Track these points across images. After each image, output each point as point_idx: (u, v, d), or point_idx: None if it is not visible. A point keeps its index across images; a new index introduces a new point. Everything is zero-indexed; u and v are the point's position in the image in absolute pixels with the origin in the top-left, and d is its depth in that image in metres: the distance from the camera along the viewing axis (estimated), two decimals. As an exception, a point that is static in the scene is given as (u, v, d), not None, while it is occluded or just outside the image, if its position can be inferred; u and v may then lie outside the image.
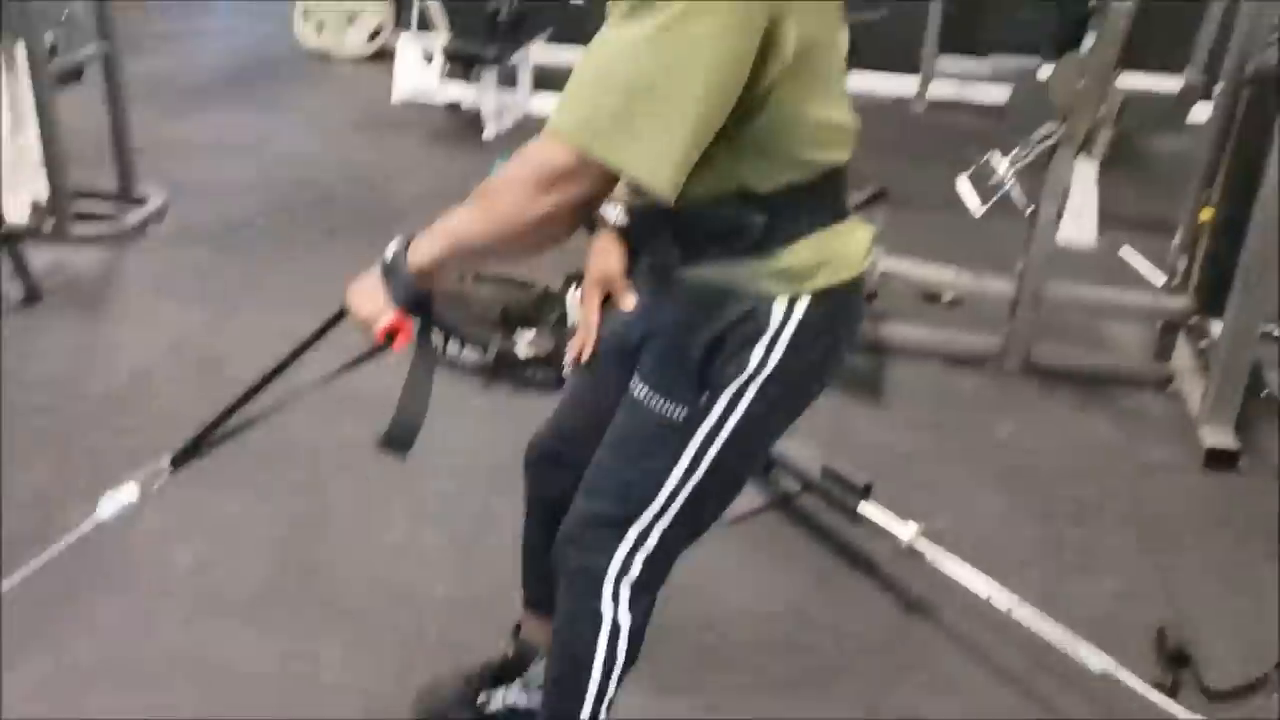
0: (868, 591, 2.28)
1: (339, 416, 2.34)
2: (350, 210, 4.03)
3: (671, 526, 1.41)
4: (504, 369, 3.00)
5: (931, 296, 3.42)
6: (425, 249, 1.27)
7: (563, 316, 3.09)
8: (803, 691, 2.03)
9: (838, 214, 1.36)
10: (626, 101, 1.12)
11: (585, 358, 1.58)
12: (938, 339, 3.19)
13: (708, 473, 1.38)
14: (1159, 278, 3.42)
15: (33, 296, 3.22)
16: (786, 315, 1.31)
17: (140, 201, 3.80)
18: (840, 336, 1.40)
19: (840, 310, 1.36)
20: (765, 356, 1.32)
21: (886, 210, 4.09)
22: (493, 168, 2.93)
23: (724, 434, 1.36)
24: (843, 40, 1.32)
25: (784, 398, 1.37)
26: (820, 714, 1.98)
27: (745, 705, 1.99)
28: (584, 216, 1.23)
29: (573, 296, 3.09)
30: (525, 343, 3.01)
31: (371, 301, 1.31)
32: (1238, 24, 2.97)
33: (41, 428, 2.67)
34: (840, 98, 1.32)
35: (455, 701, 1.87)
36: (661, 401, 1.36)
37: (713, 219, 1.30)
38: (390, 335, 1.31)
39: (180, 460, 1.50)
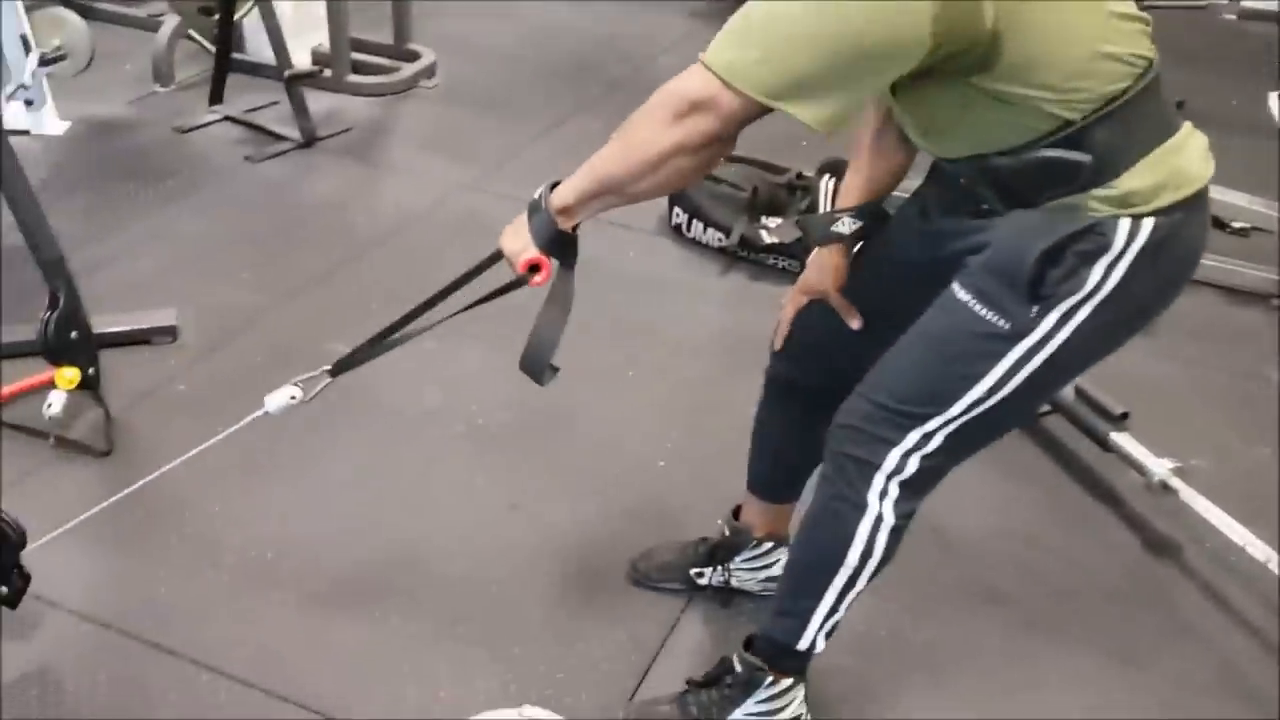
0: (1110, 523, 2.16)
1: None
2: (608, 82, 4.05)
3: (958, 435, 1.35)
4: (747, 253, 2.97)
5: (1219, 222, 3.14)
6: (567, 187, 1.31)
7: (812, 205, 3.01)
8: (1027, 617, 1.95)
9: (1168, 125, 1.25)
10: (775, 50, 1.13)
11: (779, 346, 1.60)
12: (1219, 268, 2.93)
13: (1016, 390, 1.31)
14: None
15: (310, 139, 3.41)
16: (1131, 236, 1.22)
17: (413, 57, 3.93)
18: (1184, 259, 1.30)
19: (1186, 231, 1.26)
20: (1105, 276, 1.24)
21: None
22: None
23: (1045, 352, 1.28)
24: None
25: (1117, 322, 1.29)
26: (1038, 646, 1.90)
27: (964, 620, 1.94)
28: (716, 155, 1.22)
29: (825, 184, 3.00)
30: (771, 229, 2.96)
31: (517, 238, 1.36)
32: None
33: (307, 264, 2.84)
34: (1120, 31, 1.20)
35: (668, 569, 1.91)
36: (986, 309, 1.29)
37: (1034, 168, 1.23)
38: (532, 269, 1.36)
39: (340, 369, 1.55)
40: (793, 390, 1.66)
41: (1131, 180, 1.22)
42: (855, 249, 1.55)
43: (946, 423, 1.34)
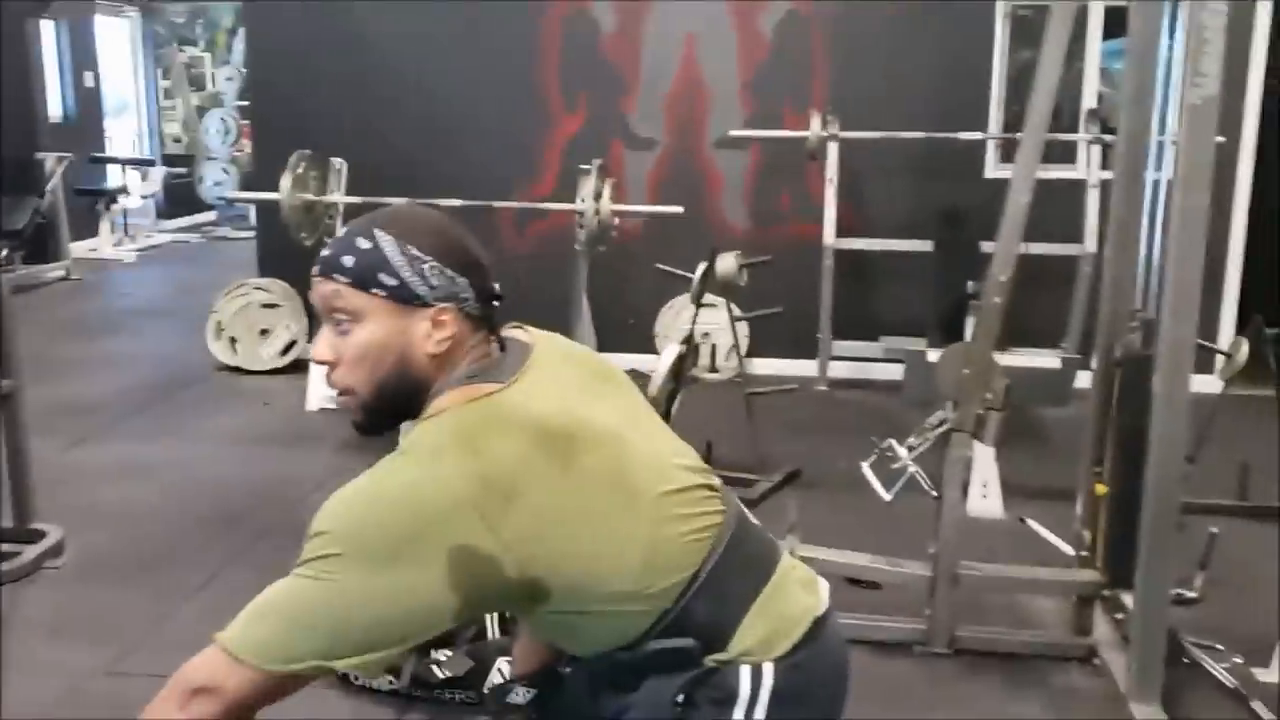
0: None
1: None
2: (260, 530, 3.95)
3: None
4: (421, 692, 2.87)
5: (853, 580, 3.42)
6: None
7: (480, 632, 3.00)
8: None
9: (762, 574, 1.33)
10: (276, 624, 1.20)
11: None
12: (863, 625, 3.16)
13: None
14: (1067, 548, 3.48)
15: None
16: (755, 681, 1.28)
17: (36, 537, 3.67)
18: (824, 693, 1.36)
19: (816, 663, 1.33)
20: None
21: (801, 490, 4.18)
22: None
23: None
24: (635, 447, 1.30)
25: None
26: None
27: None
28: None
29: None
30: (442, 662, 2.90)
31: None
32: (1101, 310, 3.18)
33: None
34: (663, 493, 1.28)
35: None
36: None
37: (645, 658, 1.29)
38: None
39: None
40: None
41: (743, 640, 1.28)
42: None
43: None
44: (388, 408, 1.31)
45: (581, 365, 1.38)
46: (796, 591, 1.36)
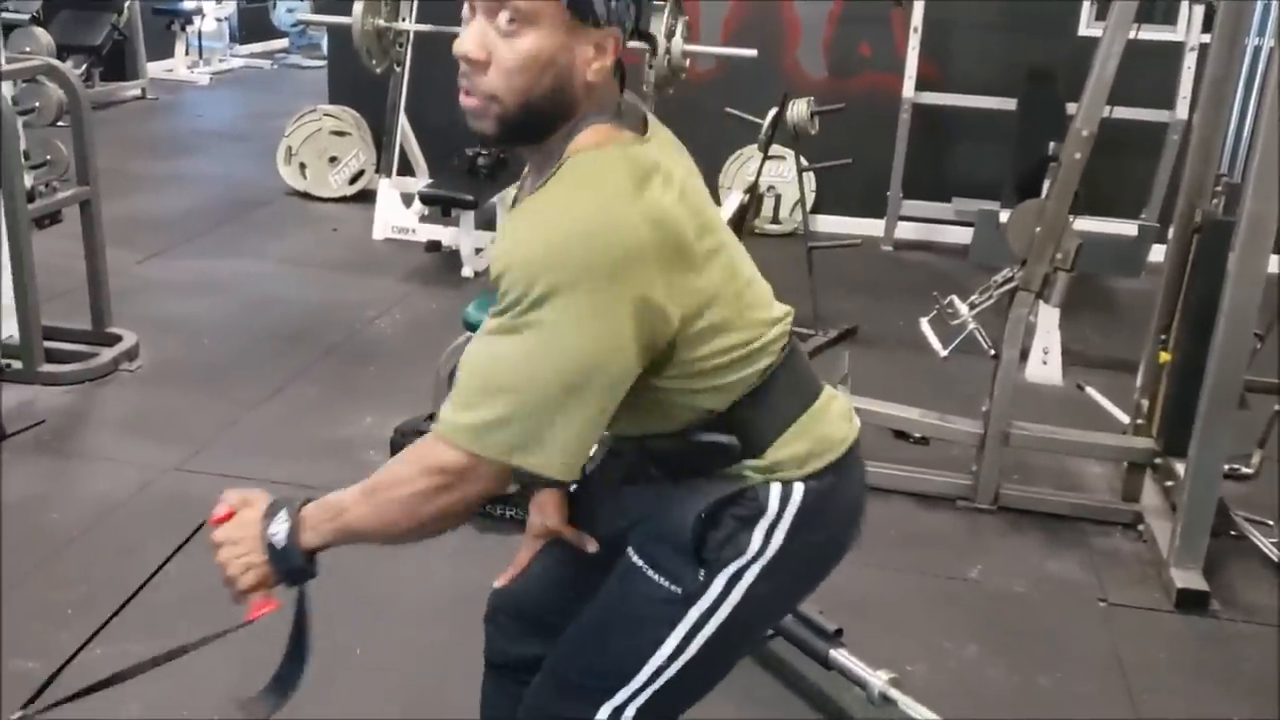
0: (840, 742, 2.23)
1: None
2: (326, 348, 4.06)
3: (651, 706, 1.35)
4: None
5: (901, 433, 3.45)
6: (314, 535, 1.24)
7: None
8: None
9: (808, 396, 1.36)
10: (511, 403, 1.15)
11: (502, 582, 1.58)
12: (908, 478, 3.20)
13: (699, 654, 1.33)
14: (1123, 417, 3.46)
15: (-2, 435, 3.20)
16: (784, 500, 1.30)
17: (113, 341, 3.81)
18: (844, 518, 1.38)
19: (840, 491, 1.35)
20: (766, 540, 1.30)
21: (856, 347, 4.17)
22: (464, 313, 2.96)
23: (719, 616, 1.32)
24: (741, 262, 1.32)
25: (787, 583, 1.36)
26: None
27: None
28: (479, 506, 1.23)
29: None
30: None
31: (249, 569, 1.25)
32: (1184, 174, 3.08)
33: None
34: (754, 304, 1.31)
35: None
36: (658, 574, 1.33)
37: (685, 450, 1.31)
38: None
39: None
40: (513, 660, 1.60)
41: (778, 452, 1.31)
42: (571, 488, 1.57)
43: (634, 695, 1.35)
44: (527, 127, 1.22)
45: (684, 157, 1.35)
46: (836, 418, 1.38)
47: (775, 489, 1.30)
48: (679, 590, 1.31)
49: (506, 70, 1.17)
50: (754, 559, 1.31)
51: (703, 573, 1.31)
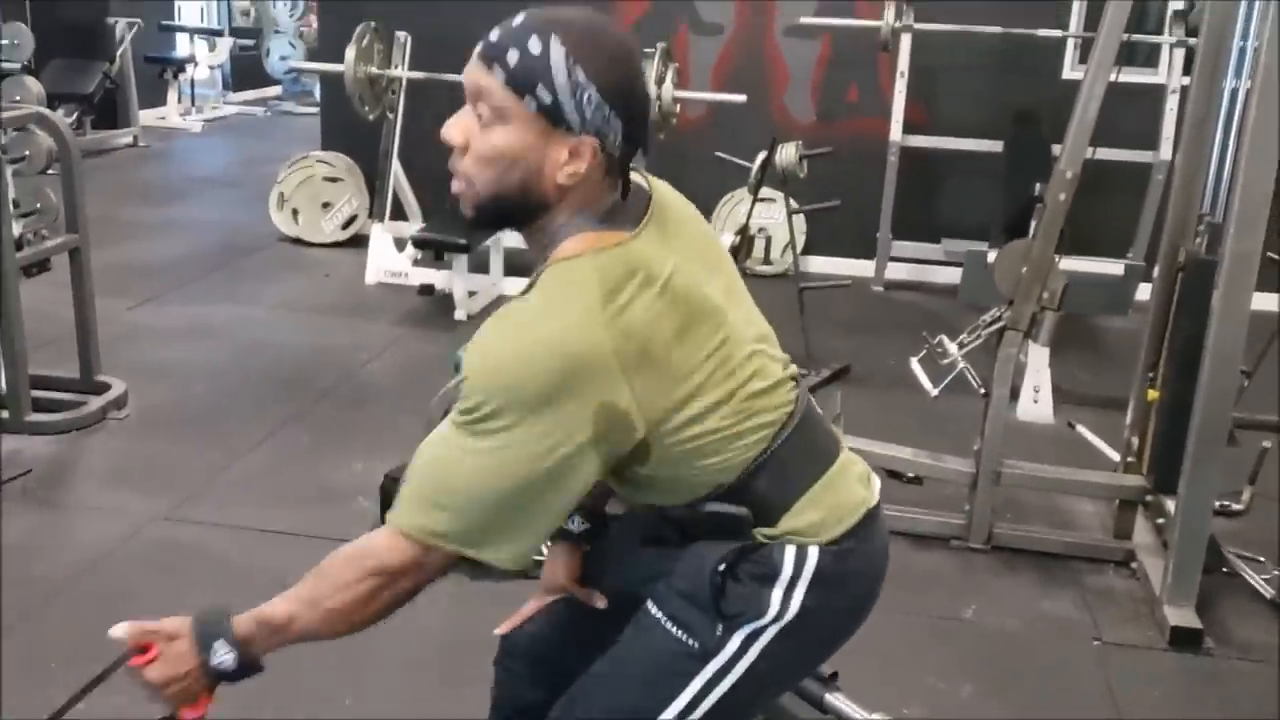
0: (834, 787, 2.20)
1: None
2: (318, 393, 4.05)
3: None
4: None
5: (894, 473, 3.44)
6: (262, 650, 1.27)
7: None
8: None
9: (823, 463, 1.35)
10: (464, 504, 1.19)
11: (504, 630, 1.60)
12: (901, 518, 3.19)
13: (710, 710, 1.32)
14: (1114, 454, 3.46)
15: (-19, 486, 3.18)
16: (799, 562, 1.30)
17: (101, 389, 3.80)
18: (865, 584, 1.38)
19: (858, 557, 1.34)
20: (785, 602, 1.30)
21: (848, 386, 4.18)
22: (451, 357, 2.96)
23: (735, 674, 1.31)
24: (742, 333, 1.31)
25: (805, 647, 1.35)
26: None
27: None
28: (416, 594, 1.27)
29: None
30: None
31: (181, 682, 1.27)
32: (1168, 214, 3.11)
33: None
34: (755, 375, 1.30)
35: None
36: (677, 629, 1.32)
37: (697, 519, 1.32)
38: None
39: None
40: (519, 713, 1.60)
41: (792, 521, 1.30)
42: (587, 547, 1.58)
43: None
44: (498, 215, 1.28)
45: (695, 225, 1.37)
46: (853, 483, 1.37)
47: (790, 551, 1.30)
48: (696, 645, 1.31)
49: (477, 159, 1.23)
50: (774, 620, 1.30)
51: (720, 628, 1.30)
